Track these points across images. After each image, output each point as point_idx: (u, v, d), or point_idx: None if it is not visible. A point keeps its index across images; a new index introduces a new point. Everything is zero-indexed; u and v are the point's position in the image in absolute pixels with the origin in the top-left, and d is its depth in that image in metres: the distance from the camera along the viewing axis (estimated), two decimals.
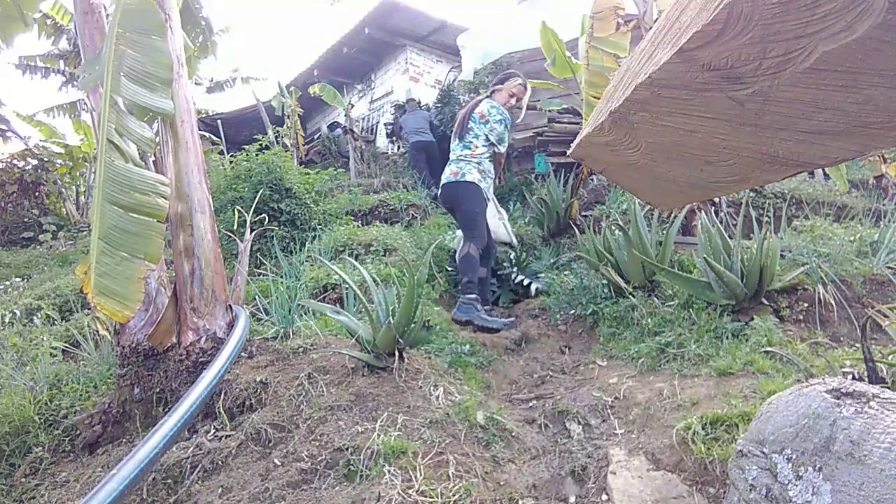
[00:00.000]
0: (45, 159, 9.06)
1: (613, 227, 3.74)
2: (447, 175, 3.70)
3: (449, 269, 4.40)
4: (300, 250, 4.57)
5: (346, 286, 3.04)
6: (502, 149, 3.73)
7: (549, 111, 6.79)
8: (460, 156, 3.67)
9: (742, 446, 1.19)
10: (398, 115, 9.41)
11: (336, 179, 7.38)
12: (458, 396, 2.20)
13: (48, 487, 2.08)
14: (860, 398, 1.02)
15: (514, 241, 4.35)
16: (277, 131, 10.10)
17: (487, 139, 3.66)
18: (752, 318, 2.50)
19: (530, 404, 2.46)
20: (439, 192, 3.88)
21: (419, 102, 9.00)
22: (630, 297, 3.08)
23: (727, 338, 2.45)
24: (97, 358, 2.89)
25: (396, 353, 2.28)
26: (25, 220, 8.64)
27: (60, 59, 9.37)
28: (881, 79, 0.46)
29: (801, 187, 5.13)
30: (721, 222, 3.69)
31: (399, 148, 9.67)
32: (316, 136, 12.46)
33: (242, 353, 2.46)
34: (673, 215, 3.54)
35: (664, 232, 3.32)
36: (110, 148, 2.19)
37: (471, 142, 3.65)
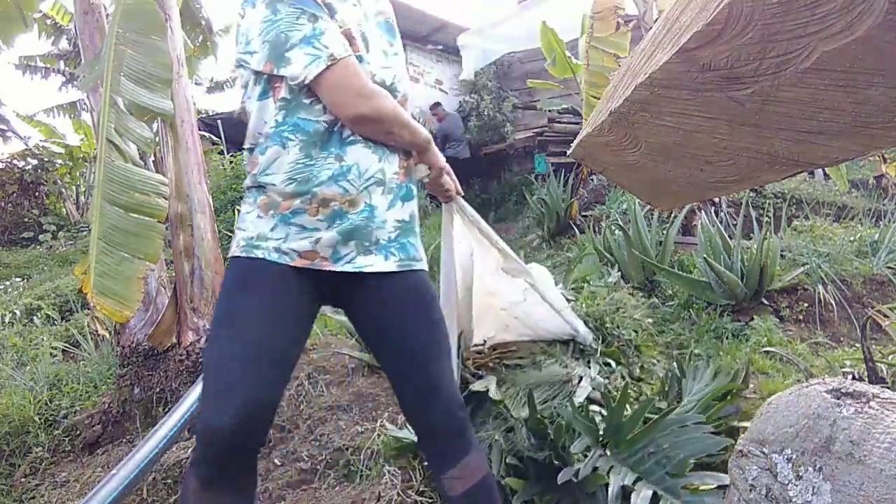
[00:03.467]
0: (45, 159, 9.06)
1: (613, 227, 3.74)
2: None
3: None
4: None
5: None
6: (290, 71, 1.03)
7: (549, 111, 6.80)
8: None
9: (742, 446, 1.19)
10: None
11: None
12: None
13: (48, 487, 2.08)
14: (860, 398, 1.02)
15: (582, 330, 2.06)
16: None
17: (253, 75, 1.12)
18: (752, 318, 2.50)
19: None
20: None
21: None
22: (630, 297, 3.08)
23: (727, 338, 2.45)
24: (97, 358, 2.89)
25: None
26: (25, 220, 8.63)
27: (60, 59, 9.37)
28: (881, 79, 0.46)
29: (801, 187, 5.13)
30: (721, 222, 3.69)
31: None
32: None
33: None
34: (673, 215, 3.54)
35: (664, 232, 3.33)
36: (110, 148, 2.19)
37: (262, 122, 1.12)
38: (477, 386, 1.72)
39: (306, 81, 1.03)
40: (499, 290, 1.93)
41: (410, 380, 1.17)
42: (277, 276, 1.07)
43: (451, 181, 1.45)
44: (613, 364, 2.03)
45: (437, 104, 8.36)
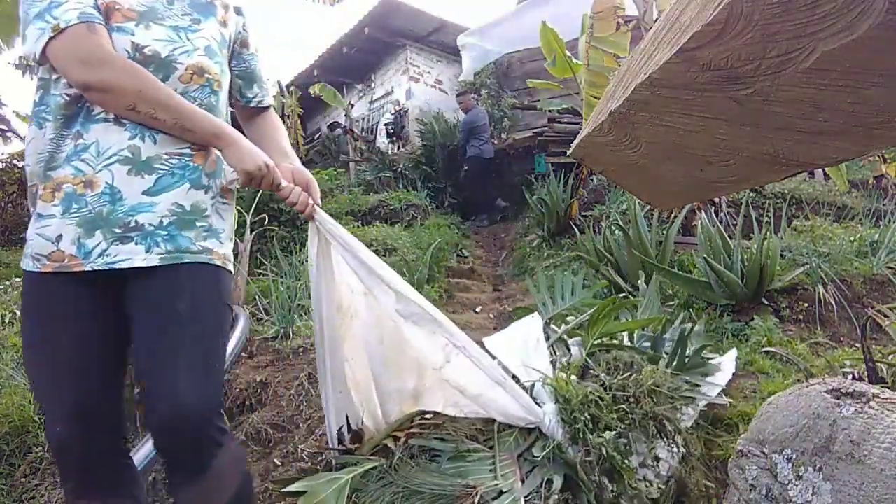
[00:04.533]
0: None
1: (613, 227, 3.74)
2: None
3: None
4: (300, 250, 4.56)
5: None
6: (26, 48, 0.99)
7: (549, 111, 6.80)
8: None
9: (742, 446, 1.19)
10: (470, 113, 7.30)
11: (336, 179, 7.38)
12: None
13: (48, 487, 2.07)
14: (860, 398, 1.02)
15: (549, 419, 1.41)
16: None
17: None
18: (752, 318, 2.51)
19: None
20: None
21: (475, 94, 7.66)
22: (630, 297, 3.08)
23: (727, 338, 2.45)
24: None
25: None
26: (25, 220, 8.61)
27: None
28: (881, 79, 0.46)
29: (801, 187, 5.12)
30: (721, 222, 3.69)
31: (399, 148, 9.67)
32: (316, 136, 12.46)
33: (242, 353, 2.46)
34: (673, 215, 3.55)
35: (664, 232, 3.33)
36: None
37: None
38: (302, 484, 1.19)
39: (37, 56, 0.97)
40: (416, 345, 1.39)
41: (146, 382, 1.01)
42: (44, 288, 1.01)
43: (296, 191, 1.16)
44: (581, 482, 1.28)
45: (465, 92, 7.78)
